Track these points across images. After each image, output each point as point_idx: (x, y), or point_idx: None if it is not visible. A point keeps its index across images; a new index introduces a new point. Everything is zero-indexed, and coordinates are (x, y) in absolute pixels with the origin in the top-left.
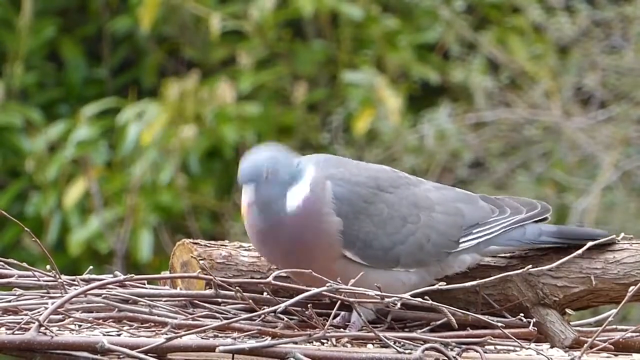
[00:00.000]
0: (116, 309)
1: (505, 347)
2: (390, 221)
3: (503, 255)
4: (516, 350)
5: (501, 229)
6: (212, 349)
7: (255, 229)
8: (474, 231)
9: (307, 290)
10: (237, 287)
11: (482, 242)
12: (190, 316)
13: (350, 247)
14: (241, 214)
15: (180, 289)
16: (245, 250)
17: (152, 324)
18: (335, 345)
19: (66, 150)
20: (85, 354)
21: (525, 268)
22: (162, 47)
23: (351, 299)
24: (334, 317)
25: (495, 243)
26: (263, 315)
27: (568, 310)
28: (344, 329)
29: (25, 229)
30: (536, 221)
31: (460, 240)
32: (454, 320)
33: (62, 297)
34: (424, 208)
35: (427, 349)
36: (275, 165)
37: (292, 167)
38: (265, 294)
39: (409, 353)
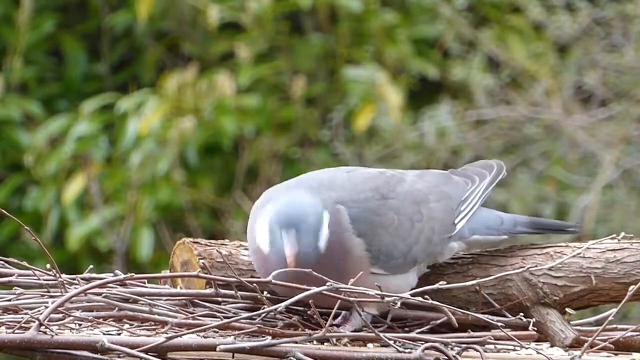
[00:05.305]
0: (116, 308)
1: (505, 347)
2: (401, 226)
3: (503, 254)
4: (516, 350)
5: (480, 197)
6: (212, 348)
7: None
8: (462, 208)
9: (307, 290)
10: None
11: (468, 220)
12: (190, 315)
13: (376, 263)
14: (287, 263)
15: (181, 288)
16: (245, 249)
17: (153, 323)
18: (335, 345)
19: (66, 146)
20: (85, 353)
21: (526, 267)
22: (161, 43)
23: (351, 299)
24: (335, 317)
25: (476, 231)
26: (263, 315)
27: (568, 310)
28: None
29: (25, 227)
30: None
31: (456, 222)
32: (455, 320)
33: (62, 296)
34: (421, 202)
35: (427, 348)
36: (307, 214)
37: (318, 209)
38: (265, 293)
39: (409, 352)
